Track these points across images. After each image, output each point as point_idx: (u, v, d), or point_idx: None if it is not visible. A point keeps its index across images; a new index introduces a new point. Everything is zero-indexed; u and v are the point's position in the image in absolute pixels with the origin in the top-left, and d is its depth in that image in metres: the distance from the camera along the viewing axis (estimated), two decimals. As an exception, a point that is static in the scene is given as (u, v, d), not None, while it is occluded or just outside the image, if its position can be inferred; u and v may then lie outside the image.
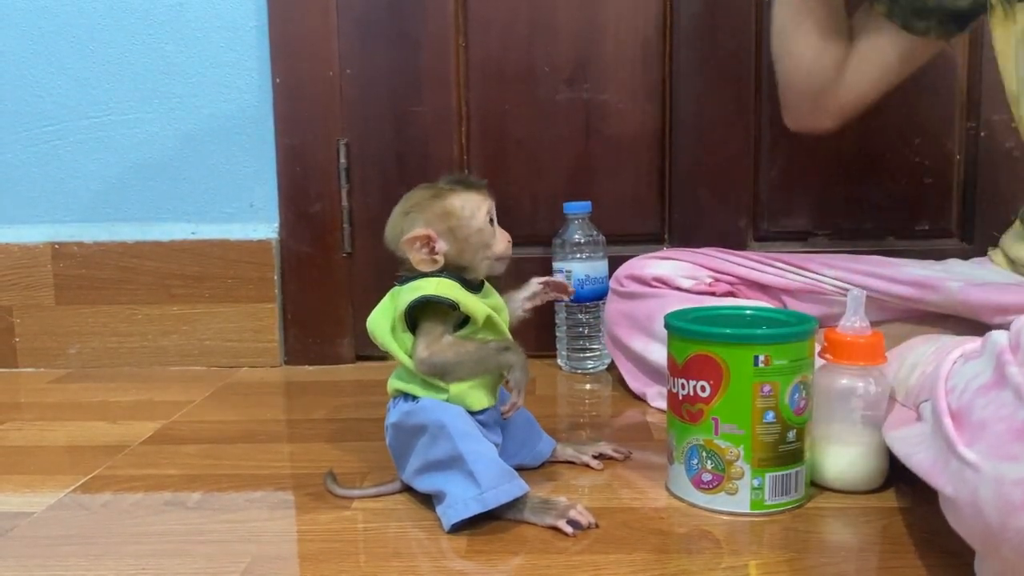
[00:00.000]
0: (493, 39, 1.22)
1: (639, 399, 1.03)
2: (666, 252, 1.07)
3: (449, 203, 0.72)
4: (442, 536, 0.66)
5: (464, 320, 0.72)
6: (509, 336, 0.74)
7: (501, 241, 0.75)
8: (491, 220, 0.74)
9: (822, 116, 1.04)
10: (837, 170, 1.22)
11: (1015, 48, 0.85)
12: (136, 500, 0.76)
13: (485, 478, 0.67)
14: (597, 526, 0.67)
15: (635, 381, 1.04)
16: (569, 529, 0.66)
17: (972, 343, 0.61)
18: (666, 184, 1.24)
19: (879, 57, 0.98)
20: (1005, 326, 0.55)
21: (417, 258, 0.71)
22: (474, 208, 0.73)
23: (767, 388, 0.66)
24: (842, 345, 0.71)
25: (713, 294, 1.01)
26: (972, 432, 0.51)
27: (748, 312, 0.77)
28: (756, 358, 0.66)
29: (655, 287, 1.02)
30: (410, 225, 0.72)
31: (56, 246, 1.25)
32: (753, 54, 1.19)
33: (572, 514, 0.67)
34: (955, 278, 0.87)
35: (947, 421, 0.54)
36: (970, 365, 0.56)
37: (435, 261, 0.72)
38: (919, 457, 0.58)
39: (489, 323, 0.72)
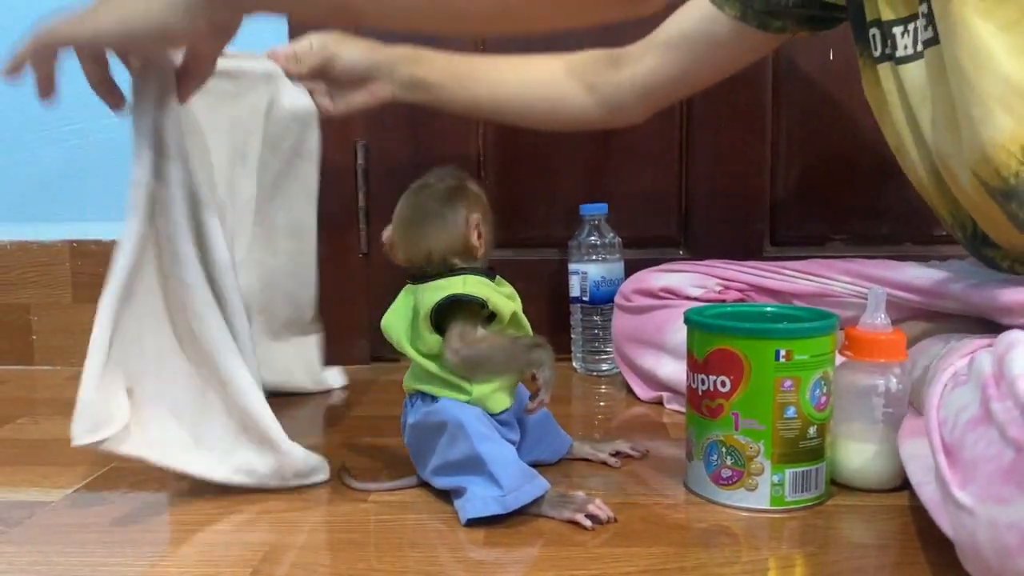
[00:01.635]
0: (512, 41, 1.22)
1: (652, 403, 1.02)
2: (671, 265, 1.06)
3: (471, 188, 0.73)
4: (460, 528, 0.66)
5: (489, 317, 0.72)
6: (531, 332, 0.74)
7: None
8: None
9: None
10: (855, 175, 1.21)
11: (894, 104, 0.84)
12: (153, 491, 0.76)
13: (506, 480, 0.67)
14: (615, 520, 0.67)
15: (646, 394, 1.03)
16: (587, 523, 0.66)
17: (963, 359, 0.60)
18: (683, 187, 1.24)
19: (720, 53, 0.97)
20: (1015, 326, 0.55)
21: (478, 244, 0.72)
22: (479, 188, 0.75)
23: (788, 383, 0.66)
24: (863, 342, 0.71)
25: (723, 301, 1.00)
26: (965, 472, 0.51)
27: (769, 309, 0.77)
28: (777, 352, 0.66)
29: (664, 298, 1.02)
30: (462, 215, 0.71)
31: (74, 244, 1.26)
32: (771, 56, 1.19)
33: (590, 508, 0.66)
34: (956, 279, 0.86)
35: (941, 459, 0.54)
36: (958, 393, 0.56)
37: (483, 244, 0.72)
38: (928, 489, 0.58)
39: (514, 319, 0.72)
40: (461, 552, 0.62)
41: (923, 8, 0.76)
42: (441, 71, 0.99)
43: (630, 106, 1.01)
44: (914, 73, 0.79)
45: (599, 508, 0.67)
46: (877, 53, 0.84)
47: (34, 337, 1.27)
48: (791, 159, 1.22)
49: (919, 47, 0.78)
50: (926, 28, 0.76)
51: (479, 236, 0.71)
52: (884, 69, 0.83)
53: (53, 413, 1.03)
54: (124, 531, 0.68)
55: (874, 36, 0.84)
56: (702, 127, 1.22)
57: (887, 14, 0.81)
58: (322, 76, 0.95)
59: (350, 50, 0.95)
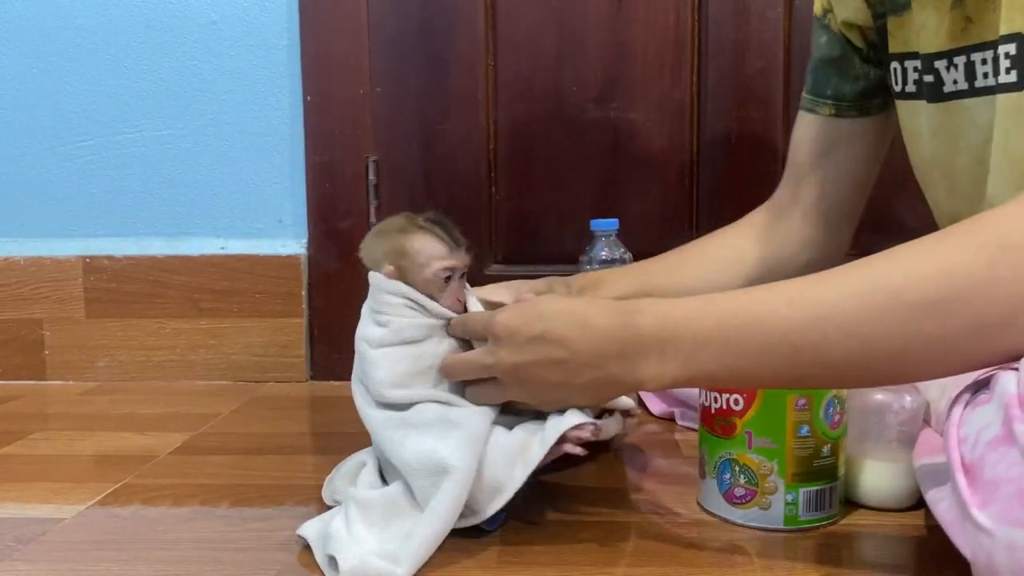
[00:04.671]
0: (522, 59, 1.23)
1: (664, 418, 1.02)
2: None
3: (408, 243, 0.72)
4: (472, 546, 0.66)
5: None
6: None
7: (447, 299, 0.73)
8: (448, 277, 0.73)
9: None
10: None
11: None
12: (165, 508, 0.76)
13: None
14: (599, 433, 0.70)
15: (657, 407, 1.03)
16: (579, 450, 0.67)
17: (983, 378, 0.59)
18: (694, 202, 1.24)
19: (856, 145, 0.92)
20: None
21: None
22: (430, 257, 0.72)
23: (802, 401, 0.66)
24: (877, 360, 0.70)
25: None
26: (985, 492, 0.51)
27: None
28: (790, 371, 0.65)
29: None
30: (375, 249, 0.74)
31: (87, 260, 1.27)
32: (781, 72, 1.20)
33: (572, 435, 0.67)
34: None
35: (960, 478, 0.53)
36: (980, 412, 0.55)
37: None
38: (943, 507, 0.57)
39: None
40: (474, 572, 0.62)
41: (1008, 48, 0.67)
42: (628, 285, 0.95)
43: (822, 239, 0.97)
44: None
45: (581, 430, 0.67)
46: (898, 89, 0.82)
47: (46, 352, 1.28)
48: (802, 175, 1.22)
49: (975, 83, 0.71)
50: (1008, 71, 0.68)
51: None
52: (909, 106, 0.80)
53: (65, 429, 1.03)
54: (136, 548, 0.68)
55: (895, 70, 0.81)
56: (713, 144, 1.22)
57: (927, 46, 0.76)
58: None
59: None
